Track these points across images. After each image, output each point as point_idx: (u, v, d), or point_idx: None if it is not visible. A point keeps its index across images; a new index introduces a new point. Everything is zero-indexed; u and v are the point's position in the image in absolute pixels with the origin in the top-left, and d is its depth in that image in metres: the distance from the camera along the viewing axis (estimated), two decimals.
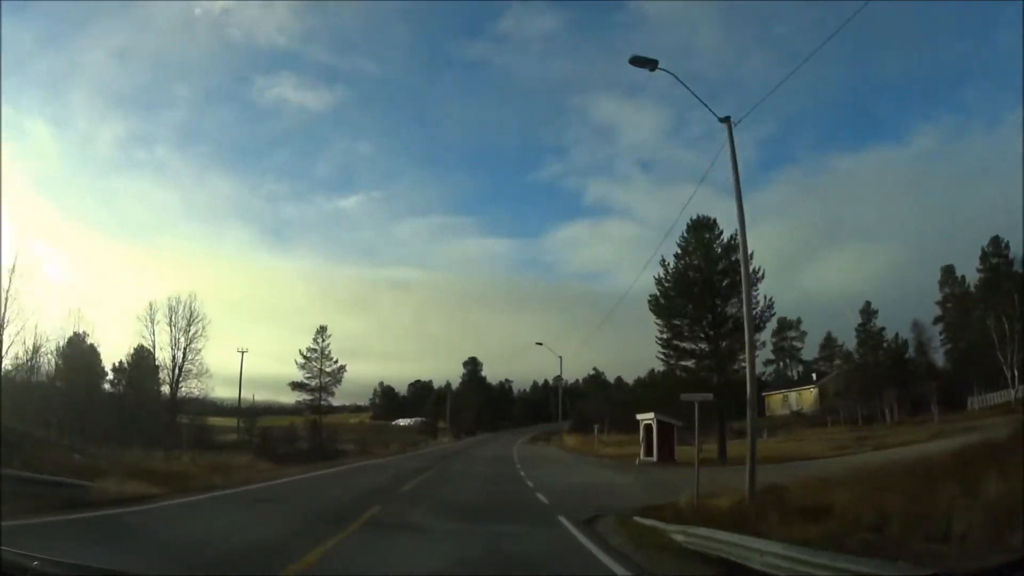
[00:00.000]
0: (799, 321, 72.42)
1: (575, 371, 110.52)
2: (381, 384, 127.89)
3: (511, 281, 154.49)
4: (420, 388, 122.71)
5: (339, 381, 58.83)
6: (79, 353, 38.74)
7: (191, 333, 40.82)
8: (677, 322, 26.48)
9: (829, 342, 70.97)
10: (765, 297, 26.98)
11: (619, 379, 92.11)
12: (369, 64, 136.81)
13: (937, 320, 56.74)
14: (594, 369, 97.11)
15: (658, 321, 27.20)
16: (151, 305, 41.16)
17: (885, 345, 54.21)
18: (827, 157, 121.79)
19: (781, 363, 74.41)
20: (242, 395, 61.95)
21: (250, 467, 23.04)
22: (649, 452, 28.13)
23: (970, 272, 55.78)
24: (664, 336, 27.13)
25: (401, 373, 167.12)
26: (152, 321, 40.65)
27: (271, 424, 59.56)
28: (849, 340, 61.70)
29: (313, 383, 58.13)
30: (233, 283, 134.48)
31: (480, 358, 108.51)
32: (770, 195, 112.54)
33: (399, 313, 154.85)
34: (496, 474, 23.68)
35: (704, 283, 25.49)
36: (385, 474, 22.57)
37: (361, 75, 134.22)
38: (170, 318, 40.66)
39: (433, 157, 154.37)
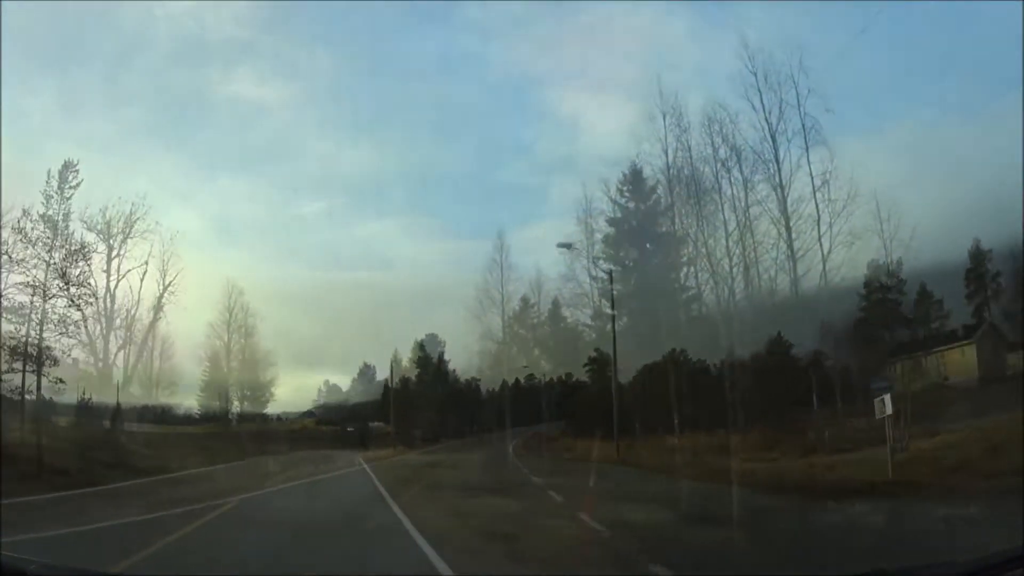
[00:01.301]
0: (901, 263, 52.56)
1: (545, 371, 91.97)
2: (326, 383, 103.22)
3: (477, 282, 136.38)
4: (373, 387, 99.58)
5: (93, 294, 25.76)
6: None
7: None
8: None
9: (924, 298, 53.81)
10: None
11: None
12: (326, 59, 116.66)
13: None
14: (596, 351, 74.69)
15: None
16: None
17: None
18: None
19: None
20: None
21: None
22: None
23: None
24: None
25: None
26: None
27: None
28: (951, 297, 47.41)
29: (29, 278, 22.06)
30: (185, 284, 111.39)
31: (444, 354, 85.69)
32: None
33: (358, 317, 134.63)
34: None
35: None
36: None
37: (318, 70, 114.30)
38: None
39: (399, 154, 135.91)
